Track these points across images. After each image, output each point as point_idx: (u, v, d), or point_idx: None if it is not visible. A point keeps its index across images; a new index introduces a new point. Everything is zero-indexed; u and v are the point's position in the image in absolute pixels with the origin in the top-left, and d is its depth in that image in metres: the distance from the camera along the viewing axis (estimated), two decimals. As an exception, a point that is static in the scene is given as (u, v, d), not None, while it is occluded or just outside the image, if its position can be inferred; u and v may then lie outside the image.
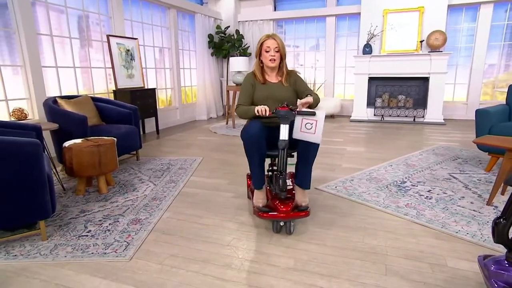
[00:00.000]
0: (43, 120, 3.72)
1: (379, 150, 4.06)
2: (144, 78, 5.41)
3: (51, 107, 3.21)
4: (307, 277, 1.59)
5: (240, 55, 7.12)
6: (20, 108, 2.84)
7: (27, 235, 2.02)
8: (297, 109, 1.96)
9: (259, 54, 2.18)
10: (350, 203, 2.47)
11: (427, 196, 2.54)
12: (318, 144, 1.98)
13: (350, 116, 6.71)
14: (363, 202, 2.46)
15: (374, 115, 6.39)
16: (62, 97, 3.48)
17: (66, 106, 3.37)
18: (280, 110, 1.89)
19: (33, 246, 1.92)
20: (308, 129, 1.93)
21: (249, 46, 7.37)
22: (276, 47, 2.12)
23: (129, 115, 3.72)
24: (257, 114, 1.97)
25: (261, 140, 1.96)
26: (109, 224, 2.18)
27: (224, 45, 6.99)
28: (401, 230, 2.05)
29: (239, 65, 5.80)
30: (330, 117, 6.87)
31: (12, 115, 2.80)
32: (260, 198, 2.09)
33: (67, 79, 4.36)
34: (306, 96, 2.04)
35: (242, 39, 7.22)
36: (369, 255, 1.77)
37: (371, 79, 6.36)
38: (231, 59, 5.89)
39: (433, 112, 6.00)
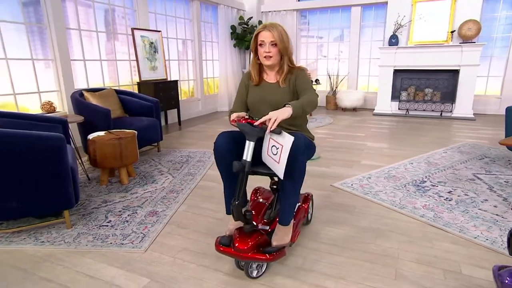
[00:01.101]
0: (71, 112, 3.90)
1: (401, 147, 3.94)
2: (167, 70, 5.51)
3: (78, 100, 3.36)
4: (314, 277, 1.60)
5: (262, 47, 7.06)
6: (49, 102, 2.99)
7: (53, 223, 2.15)
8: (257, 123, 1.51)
9: (255, 48, 1.78)
10: (365, 202, 2.43)
11: (446, 198, 2.46)
12: (299, 176, 1.58)
13: (373, 109, 6.54)
14: (378, 201, 2.42)
15: (399, 109, 6.19)
16: (88, 90, 3.63)
17: (91, 99, 3.51)
18: (240, 123, 1.55)
19: (59, 234, 2.05)
20: (273, 154, 1.52)
21: (271, 37, 7.29)
22: (272, 41, 1.68)
23: (150, 108, 3.82)
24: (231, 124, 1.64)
25: (226, 155, 1.60)
26: (128, 215, 2.28)
27: (246, 36, 6.96)
28: (416, 232, 2.01)
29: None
30: (352, 110, 6.73)
31: (42, 108, 2.97)
32: (231, 224, 1.74)
33: (94, 71, 4.52)
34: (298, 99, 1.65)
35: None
36: (380, 258, 1.75)
37: (396, 72, 6.14)
38: (252, 51, 5.86)
39: (462, 106, 5.73)
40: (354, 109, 6.72)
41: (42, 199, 1.99)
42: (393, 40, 5.96)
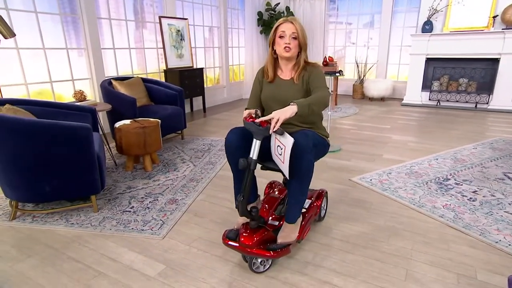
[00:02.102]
0: (102, 99, 4.08)
1: (428, 140, 3.80)
2: (193, 58, 5.58)
3: (106, 88, 3.51)
4: (323, 273, 1.63)
5: (289, 33, 6.95)
6: (80, 90, 3.16)
7: (82, 206, 2.31)
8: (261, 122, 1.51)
9: (272, 42, 1.76)
10: (382, 199, 2.40)
11: (470, 198, 2.37)
12: (306, 175, 1.57)
13: (402, 99, 6.29)
14: (396, 198, 2.38)
15: (429, 99, 5.91)
16: (116, 79, 3.78)
17: (119, 87, 3.65)
18: (247, 121, 1.54)
19: (87, 217, 2.21)
20: (279, 154, 1.55)
21: (298, 24, 7.15)
22: (293, 33, 1.69)
23: (175, 97, 3.92)
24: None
25: (237, 151, 1.63)
26: (149, 202, 2.40)
27: (273, 22, 6.85)
28: (433, 233, 1.97)
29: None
30: (380, 100, 6.52)
31: (74, 96, 3.14)
32: (240, 218, 1.76)
33: (123, 59, 4.68)
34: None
35: (293, 16, 7.01)
36: (392, 258, 1.75)
37: (428, 60, 5.84)
38: (278, 38, 5.78)
39: (501, 98, 5.37)
40: (382, 99, 6.50)
41: (71, 184, 2.14)
42: (427, 27, 5.64)
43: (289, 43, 1.69)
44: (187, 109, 5.73)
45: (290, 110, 1.48)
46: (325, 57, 5.65)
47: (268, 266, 1.65)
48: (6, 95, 3.36)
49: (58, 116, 2.64)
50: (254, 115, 1.59)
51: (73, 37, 4.08)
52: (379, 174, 2.83)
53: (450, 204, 2.28)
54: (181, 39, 5.36)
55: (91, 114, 2.79)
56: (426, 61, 5.84)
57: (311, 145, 1.56)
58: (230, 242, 1.60)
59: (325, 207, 2.16)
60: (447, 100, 5.80)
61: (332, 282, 1.56)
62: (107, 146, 3.30)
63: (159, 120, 3.09)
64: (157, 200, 2.43)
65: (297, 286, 1.54)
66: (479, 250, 1.80)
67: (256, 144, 1.51)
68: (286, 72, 1.83)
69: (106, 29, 4.40)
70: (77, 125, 2.05)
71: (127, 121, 3.03)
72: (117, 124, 2.95)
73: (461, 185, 2.58)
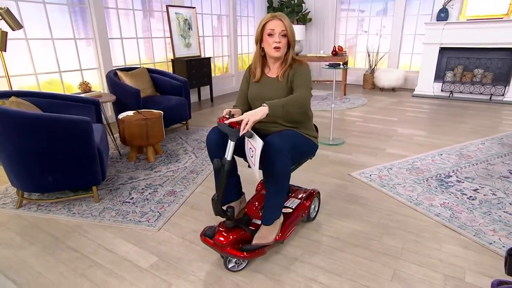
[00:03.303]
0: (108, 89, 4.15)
1: (435, 134, 3.72)
2: (200, 47, 5.57)
3: (112, 79, 3.56)
4: (309, 270, 1.65)
5: (300, 22, 6.82)
6: (85, 82, 3.21)
7: (84, 196, 2.40)
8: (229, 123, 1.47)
9: (259, 39, 1.69)
10: (380, 195, 2.39)
11: (470, 196, 2.33)
12: (281, 178, 1.53)
13: (414, 90, 6.13)
14: (394, 195, 2.36)
15: (442, 90, 5.74)
16: (122, 70, 3.82)
17: (124, 78, 3.70)
18: (219, 122, 1.50)
19: (88, 207, 2.29)
20: (251, 156, 1.52)
21: (309, 12, 6.99)
22: (282, 30, 1.61)
23: (180, 87, 3.95)
24: None
25: (217, 150, 1.62)
26: (149, 193, 2.46)
27: (283, 10, 6.74)
28: (426, 232, 1.95)
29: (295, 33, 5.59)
30: (391, 90, 6.38)
31: (79, 87, 3.20)
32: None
33: (130, 49, 4.71)
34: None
35: (303, 4, 6.86)
36: (381, 256, 1.75)
37: (442, 50, 5.64)
38: (286, 27, 5.69)
39: (518, 90, 5.17)
40: (393, 89, 6.36)
41: (72, 175, 2.21)
42: (442, 15, 5.43)
43: (279, 42, 1.62)
44: (195, 98, 5.76)
45: (260, 112, 1.45)
46: (334, 46, 5.53)
47: (244, 265, 1.66)
48: (16, 85, 3.46)
49: (62, 108, 2.72)
50: (227, 116, 1.55)
51: (81, 27, 4.13)
52: (379, 169, 2.80)
53: (448, 203, 2.25)
54: (189, 28, 5.34)
55: (95, 105, 2.85)
56: (439, 50, 5.65)
57: (287, 147, 1.53)
58: (206, 240, 1.61)
59: (316, 208, 2.10)
60: (460, 92, 5.62)
61: (317, 280, 1.59)
62: (112, 136, 3.37)
63: (162, 112, 3.13)
64: (157, 191, 2.49)
65: (283, 282, 1.57)
66: (472, 251, 1.79)
67: (230, 145, 1.49)
68: (273, 70, 1.77)
69: (113, 19, 4.43)
70: (77, 118, 2.10)
71: (130, 113, 3.08)
72: (121, 116, 3.00)
73: (463, 182, 2.54)
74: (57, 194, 2.44)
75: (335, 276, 1.61)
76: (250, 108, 1.84)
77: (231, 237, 1.57)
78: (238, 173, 1.84)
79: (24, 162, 2.10)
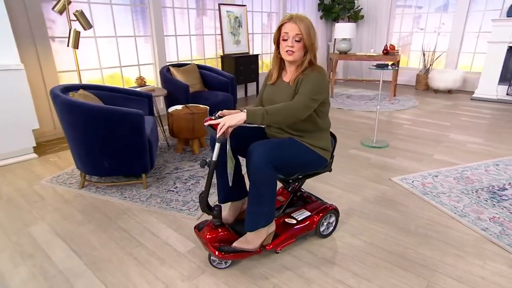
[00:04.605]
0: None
1: (492, 142, 3.44)
2: (249, 44, 5.69)
3: (164, 75, 3.81)
4: (338, 272, 1.67)
5: (351, 19, 6.64)
6: (141, 76, 3.48)
7: (135, 182, 2.63)
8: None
9: (277, 41, 1.62)
10: (421, 203, 2.30)
11: (525, 213, 2.15)
12: (262, 188, 1.51)
13: (473, 92, 5.67)
14: (436, 204, 2.26)
15: (508, 94, 5.25)
16: (174, 65, 4.06)
17: (176, 74, 3.93)
18: (204, 122, 1.52)
19: (137, 192, 2.51)
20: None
21: (361, 9, 6.76)
22: (297, 35, 1.52)
23: (226, 84, 4.09)
24: None
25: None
26: (192, 184, 2.62)
27: (334, 7, 6.61)
28: (469, 247, 1.85)
29: (344, 31, 5.48)
30: (447, 92, 5.97)
31: (135, 82, 3.48)
32: (225, 212, 1.79)
33: (183, 45, 4.98)
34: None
35: (355, 1, 6.65)
36: (416, 267, 1.71)
37: (511, 49, 5.13)
38: (336, 25, 5.59)
39: None
40: (449, 92, 5.94)
41: (125, 163, 2.44)
42: (513, 11, 4.95)
43: (291, 46, 1.53)
44: (241, 94, 5.91)
45: (237, 118, 1.40)
46: (386, 45, 5.31)
47: (225, 265, 1.69)
48: (85, 78, 3.85)
49: (121, 101, 2.98)
50: (215, 117, 1.54)
51: (140, 25, 4.45)
52: (423, 176, 2.68)
53: (498, 217, 2.10)
54: (239, 26, 5.48)
55: (148, 99, 3.08)
56: (508, 50, 5.15)
57: (270, 156, 1.48)
58: (196, 232, 1.72)
59: (332, 225, 1.95)
60: (529, 96, 5.10)
61: (346, 282, 1.60)
62: (162, 128, 3.62)
63: (208, 107, 3.29)
64: (199, 183, 2.64)
65: (311, 281, 1.61)
66: (519, 271, 1.67)
67: (216, 147, 1.49)
68: (289, 74, 1.68)
69: (169, 17, 4.71)
70: (131, 111, 2.31)
71: (179, 107, 3.28)
72: (170, 109, 3.21)
73: (518, 197, 2.34)
74: (112, 178, 2.70)
75: (365, 281, 1.61)
76: None
77: (214, 235, 1.64)
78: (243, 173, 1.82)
79: (86, 148, 2.36)
